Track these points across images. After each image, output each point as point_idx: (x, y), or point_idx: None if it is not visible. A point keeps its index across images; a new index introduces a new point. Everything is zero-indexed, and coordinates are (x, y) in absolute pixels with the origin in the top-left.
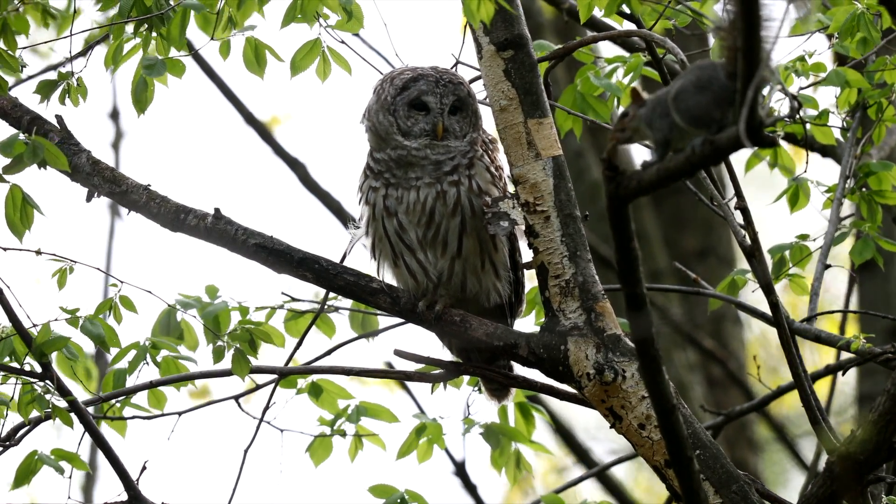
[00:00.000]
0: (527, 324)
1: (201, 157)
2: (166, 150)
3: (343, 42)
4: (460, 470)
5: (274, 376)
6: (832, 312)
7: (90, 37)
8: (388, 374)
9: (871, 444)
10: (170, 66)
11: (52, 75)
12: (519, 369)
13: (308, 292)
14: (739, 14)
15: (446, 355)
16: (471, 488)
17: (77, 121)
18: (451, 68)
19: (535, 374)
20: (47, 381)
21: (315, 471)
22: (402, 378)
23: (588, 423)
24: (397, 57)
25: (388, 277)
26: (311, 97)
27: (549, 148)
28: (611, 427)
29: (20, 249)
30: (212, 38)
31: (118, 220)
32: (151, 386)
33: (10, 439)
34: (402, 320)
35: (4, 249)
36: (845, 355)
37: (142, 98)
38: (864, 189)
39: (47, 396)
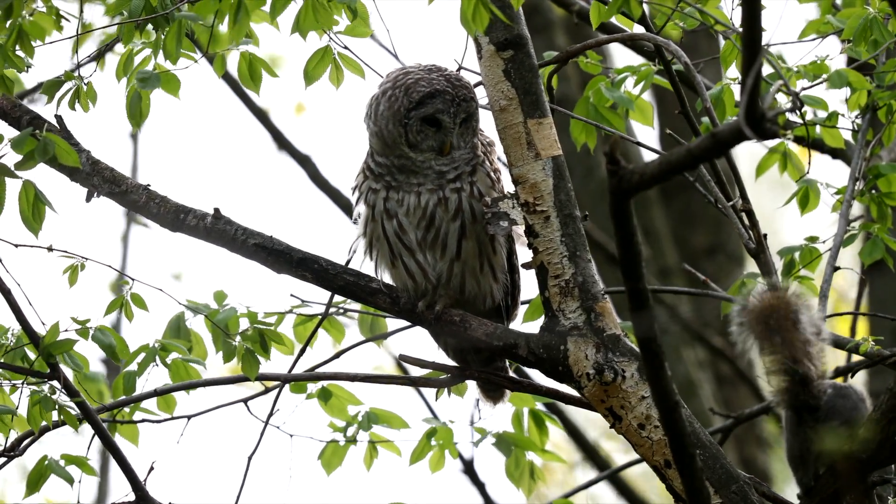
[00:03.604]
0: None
1: (213, 155)
2: (181, 149)
3: (347, 47)
4: (469, 468)
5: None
6: (842, 315)
7: (101, 41)
8: (392, 379)
9: (874, 442)
10: (164, 81)
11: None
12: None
13: (317, 295)
14: (743, 4)
15: (443, 357)
16: (479, 486)
17: (96, 127)
18: (456, 72)
19: (539, 378)
20: (55, 382)
21: (325, 476)
22: (407, 384)
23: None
24: (398, 60)
25: (385, 278)
26: (320, 93)
27: (548, 148)
28: (610, 427)
29: (31, 246)
30: (206, 52)
31: (134, 225)
32: (157, 394)
33: (15, 449)
34: (409, 323)
35: (16, 246)
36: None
37: (136, 112)
38: (873, 191)
39: (54, 397)
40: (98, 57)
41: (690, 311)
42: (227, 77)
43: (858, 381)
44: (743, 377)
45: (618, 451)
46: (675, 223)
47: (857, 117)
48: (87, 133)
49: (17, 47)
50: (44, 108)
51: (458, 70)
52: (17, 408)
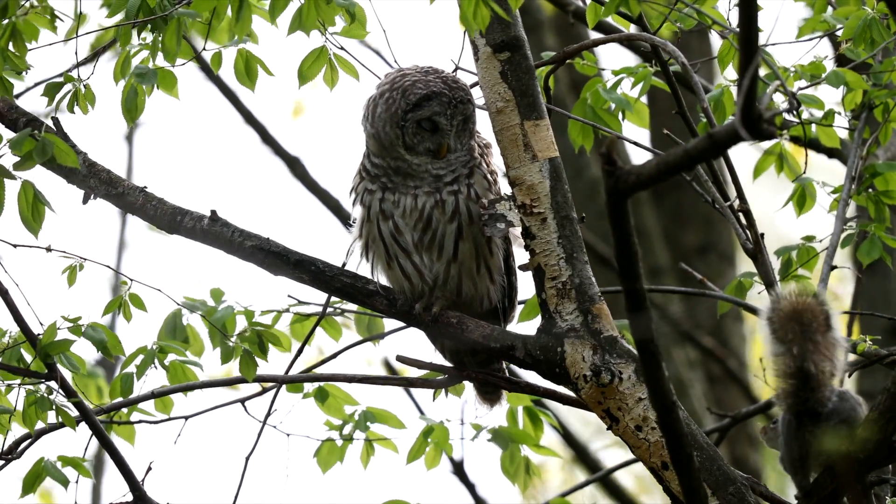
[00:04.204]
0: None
1: (208, 158)
2: (176, 152)
3: (343, 48)
4: (458, 469)
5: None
6: (840, 314)
7: (97, 41)
8: (390, 380)
9: (872, 442)
10: (160, 77)
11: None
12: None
13: (314, 296)
14: (739, 5)
15: (440, 359)
16: (469, 486)
17: (91, 130)
18: (452, 73)
19: (535, 379)
20: (52, 383)
21: (321, 475)
22: (404, 384)
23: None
24: (396, 63)
25: (382, 279)
26: (317, 97)
27: (545, 150)
28: (608, 429)
29: (30, 246)
30: (204, 49)
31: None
32: (154, 396)
33: (13, 452)
34: (405, 323)
35: (14, 246)
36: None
37: (132, 107)
38: (870, 190)
39: (51, 398)
40: (95, 57)
41: (681, 310)
42: (217, 79)
43: (849, 380)
44: (734, 377)
45: (609, 452)
46: (666, 222)
47: (853, 117)
48: (81, 135)
49: (11, 46)
50: (40, 111)
51: (455, 70)
52: (14, 409)
